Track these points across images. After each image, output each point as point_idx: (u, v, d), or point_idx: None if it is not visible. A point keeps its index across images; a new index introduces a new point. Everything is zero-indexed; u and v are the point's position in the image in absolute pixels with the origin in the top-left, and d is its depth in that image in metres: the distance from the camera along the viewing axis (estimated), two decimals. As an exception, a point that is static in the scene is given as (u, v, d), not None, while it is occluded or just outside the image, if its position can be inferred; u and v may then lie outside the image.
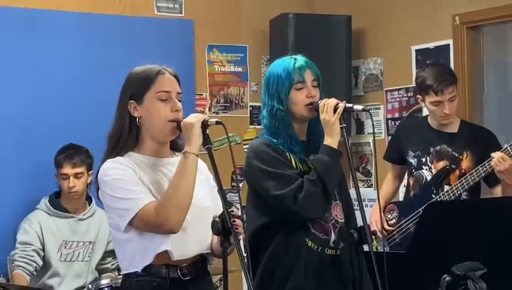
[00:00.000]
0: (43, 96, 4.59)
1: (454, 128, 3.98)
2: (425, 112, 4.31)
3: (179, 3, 5.16)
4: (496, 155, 3.65)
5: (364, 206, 3.03)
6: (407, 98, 5.00)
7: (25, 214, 4.32)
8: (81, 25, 4.77)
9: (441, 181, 3.90)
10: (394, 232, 4.02)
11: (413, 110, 4.80)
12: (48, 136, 4.49)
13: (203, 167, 2.82)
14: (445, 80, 3.85)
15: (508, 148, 3.66)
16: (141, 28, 4.94)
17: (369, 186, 5.29)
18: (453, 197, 3.82)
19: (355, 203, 3.16)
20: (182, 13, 5.17)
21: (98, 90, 4.63)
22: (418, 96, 4.03)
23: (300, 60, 3.10)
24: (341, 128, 3.01)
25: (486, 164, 3.69)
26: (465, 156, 3.88)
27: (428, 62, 4.83)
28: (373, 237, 3.86)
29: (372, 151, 5.22)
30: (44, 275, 4.24)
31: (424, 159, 3.99)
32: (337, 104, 3.00)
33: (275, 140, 3.07)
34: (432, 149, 3.97)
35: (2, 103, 4.48)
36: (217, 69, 5.33)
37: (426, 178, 3.97)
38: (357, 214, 3.15)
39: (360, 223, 3.02)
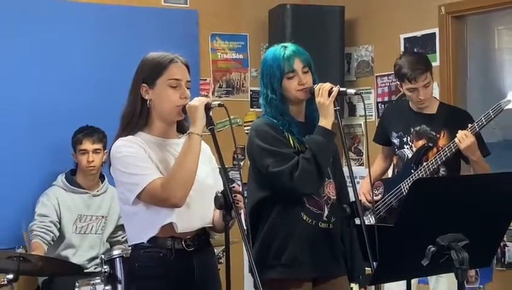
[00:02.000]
0: (58, 82, 4.58)
1: (433, 109, 4.00)
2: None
3: (184, -6, 5.17)
4: (459, 133, 3.69)
5: (356, 183, 3.04)
6: (395, 83, 4.98)
7: (43, 190, 4.34)
8: (94, 15, 4.75)
9: (420, 158, 3.92)
10: (380, 206, 4.04)
11: (402, 94, 4.78)
12: (63, 119, 4.49)
13: (206, 148, 2.83)
14: (418, 68, 3.85)
15: (475, 125, 3.68)
16: (149, 18, 4.92)
17: (360, 165, 5.29)
18: (429, 172, 3.84)
19: (348, 180, 3.17)
20: (187, 4, 5.15)
21: (109, 76, 4.64)
22: (397, 82, 4.05)
23: (289, 48, 3.08)
24: (335, 110, 3.01)
25: (454, 142, 3.73)
26: (442, 135, 3.90)
27: (405, 51, 4.83)
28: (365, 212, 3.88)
29: (364, 132, 5.23)
30: (59, 247, 4.26)
31: (405, 139, 4.01)
32: (332, 88, 3.00)
33: (275, 120, 3.07)
34: (412, 129, 3.98)
35: (21, 88, 4.48)
36: (219, 56, 5.32)
37: (407, 156, 3.99)
38: (349, 190, 3.17)
39: (352, 199, 3.04)
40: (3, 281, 3.44)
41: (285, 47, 3.09)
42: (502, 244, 4.42)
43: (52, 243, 4.20)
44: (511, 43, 4.71)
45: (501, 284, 4.53)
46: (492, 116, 3.65)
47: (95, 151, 4.28)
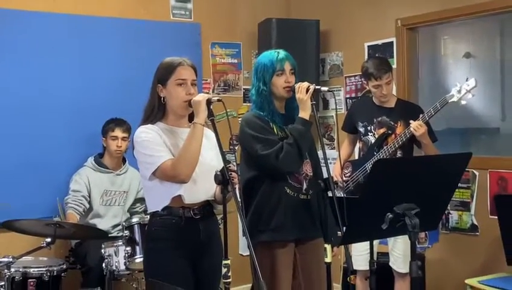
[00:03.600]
0: (90, 84, 4.57)
1: (391, 104, 4.01)
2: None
3: (189, 11, 5.13)
4: (413, 124, 3.70)
5: (328, 163, 3.05)
6: (361, 82, 4.99)
7: (75, 170, 4.33)
8: (119, 28, 4.73)
9: (381, 143, 3.93)
10: (349, 182, 4.05)
11: (366, 91, 4.80)
12: (92, 113, 4.48)
13: (212, 136, 2.79)
14: (382, 69, 3.88)
15: (426, 115, 3.71)
16: (162, 30, 4.90)
17: (332, 148, 5.30)
18: (388, 154, 3.85)
19: (322, 161, 3.17)
20: (191, 18, 5.14)
21: (130, 78, 4.59)
22: (364, 81, 4.06)
23: (282, 53, 3.09)
24: (312, 104, 3.01)
25: (409, 129, 3.74)
26: (399, 124, 3.91)
27: (369, 56, 4.84)
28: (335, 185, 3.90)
29: (335, 122, 5.23)
30: (88, 216, 4.26)
31: (369, 128, 4.02)
32: (309, 86, 2.99)
33: (261, 113, 3.06)
34: (375, 120, 3.99)
35: (60, 89, 4.47)
36: (218, 61, 5.31)
37: (371, 141, 4.00)
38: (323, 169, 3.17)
39: (326, 176, 3.04)
40: (43, 243, 3.43)
41: (278, 52, 3.09)
42: (446, 212, 4.45)
43: (83, 213, 4.20)
44: (454, 50, 4.72)
45: (446, 244, 4.57)
46: (439, 108, 3.67)
47: (123, 138, 4.28)
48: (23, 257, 3.48)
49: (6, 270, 3.39)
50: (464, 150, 4.14)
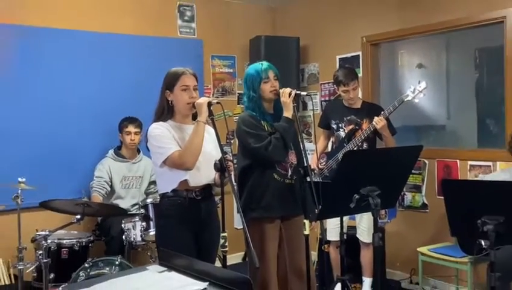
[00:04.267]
0: (109, 89, 4.54)
1: (358, 105, 4.03)
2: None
3: (193, 29, 5.11)
4: (375, 119, 3.74)
5: (307, 154, 3.05)
6: (333, 88, 5.00)
7: (99, 160, 4.31)
8: (133, 43, 4.69)
9: (350, 137, 3.95)
10: (324, 169, 4.06)
11: (337, 95, 4.80)
12: (110, 112, 4.43)
13: (212, 131, 2.79)
14: (349, 77, 3.91)
15: (385, 112, 3.74)
16: (170, 45, 4.87)
17: (310, 142, 5.31)
18: (355, 146, 3.87)
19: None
20: (195, 35, 5.12)
21: (143, 84, 4.57)
22: (335, 87, 4.07)
23: (265, 64, 3.09)
24: (294, 106, 3.01)
25: (372, 124, 3.76)
26: (364, 121, 3.93)
27: (339, 66, 4.84)
28: (313, 173, 3.90)
29: (312, 120, 5.25)
30: (111, 198, 4.25)
31: (340, 125, 4.03)
32: (291, 91, 2.99)
33: (254, 113, 3.06)
34: (345, 118, 4.01)
35: (84, 94, 4.43)
36: (217, 70, 5.30)
37: (341, 136, 4.01)
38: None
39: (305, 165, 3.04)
40: (74, 219, 3.41)
41: (262, 63, 3.09)
42: (402, 193, 4.48)
43: (105, 195, 4.19)
44: (409, 61, 4.74)
45: (401, 219, 4.60)
46: (397, 105, 3.69)
47: (136, 133, 4.26)
48: (58, 231, 3.47)
49: (43, 242, 3.39)
50: (416, 143, 4.16)
